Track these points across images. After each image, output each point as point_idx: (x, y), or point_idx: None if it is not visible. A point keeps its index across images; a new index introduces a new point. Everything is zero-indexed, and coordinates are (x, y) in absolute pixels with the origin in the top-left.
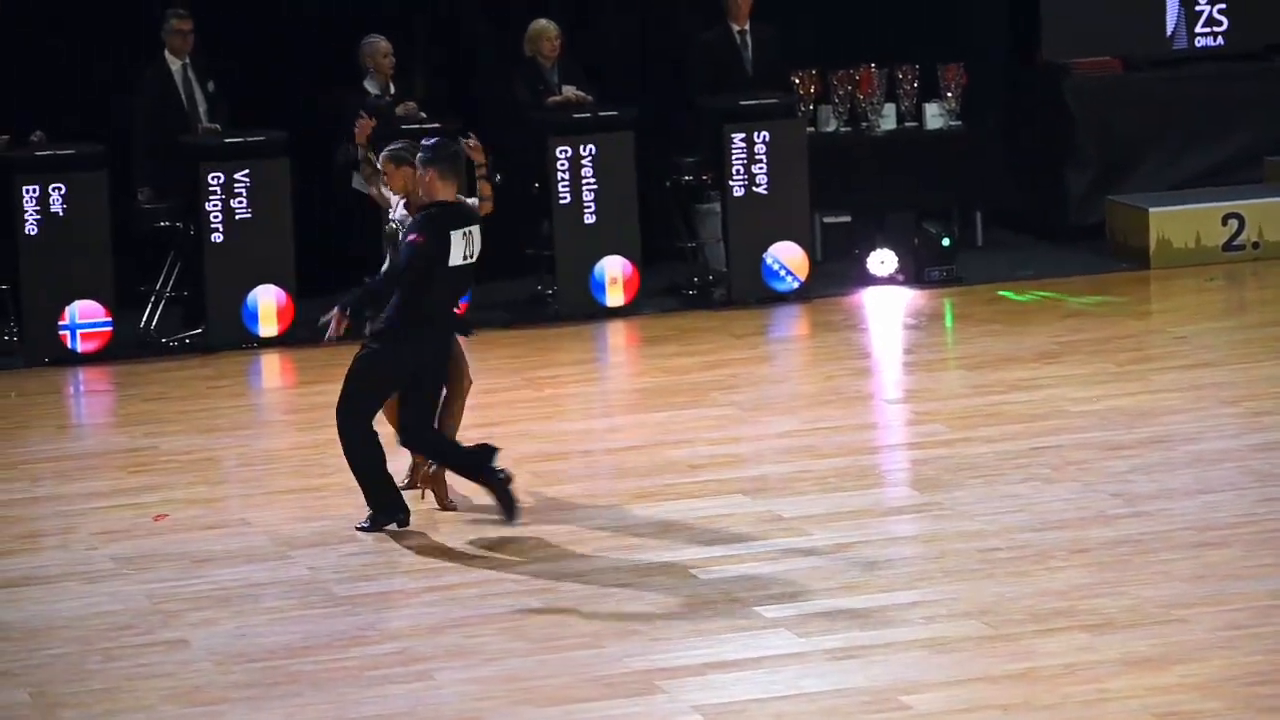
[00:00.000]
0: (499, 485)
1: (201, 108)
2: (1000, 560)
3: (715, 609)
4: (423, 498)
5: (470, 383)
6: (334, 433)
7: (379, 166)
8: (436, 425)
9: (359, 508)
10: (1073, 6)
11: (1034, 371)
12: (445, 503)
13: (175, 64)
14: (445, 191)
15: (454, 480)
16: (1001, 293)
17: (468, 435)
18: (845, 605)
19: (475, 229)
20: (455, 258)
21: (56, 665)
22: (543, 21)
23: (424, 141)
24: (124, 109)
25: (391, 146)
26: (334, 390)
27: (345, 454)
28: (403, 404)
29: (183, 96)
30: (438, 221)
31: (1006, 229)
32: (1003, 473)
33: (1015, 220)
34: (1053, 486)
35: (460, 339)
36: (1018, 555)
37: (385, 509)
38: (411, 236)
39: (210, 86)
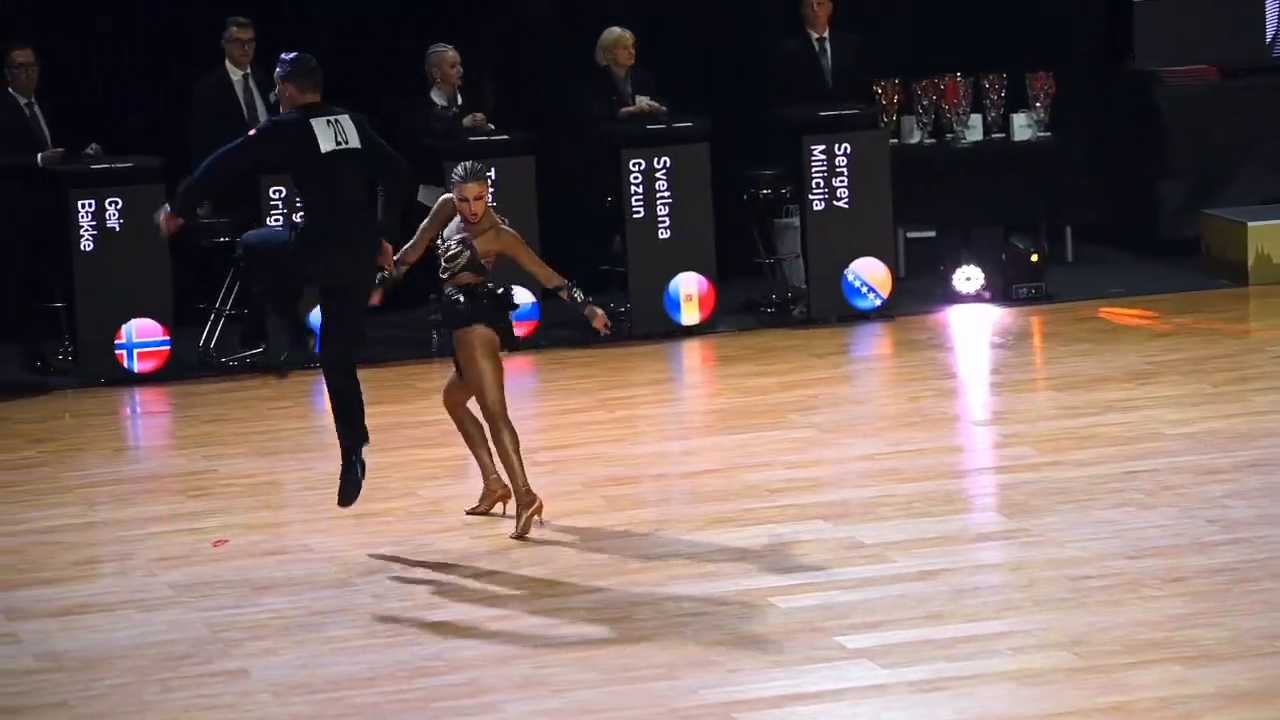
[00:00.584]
0: (350, 466)
1: (263, 119)
2: (1092, 589)
3: (795, 639)
4: (502, 510)
5: (489, 401)
6: (399, 457)
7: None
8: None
9: (423, 532)
10: (1166, 12)
11: (1127, 392)
12: (520, 530)
13: (236, 74)
14: (306, 100)
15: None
16: (1102, 311)
17: (535, 457)
18: (930, 635)
19: (344, 117)
20: (325, 144)
21: (113, 696)
22: (617, 29)
23: (281, 56)
24: (183, 121)
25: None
26: (400, 411)
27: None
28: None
29: (243, 107)
30: (282, 119)
31: (1097, 244)
32: (1095, 497)
33: (1106, 235)
34: (1147, 512)
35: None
36: (1110, 584)
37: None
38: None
39: (273, 97)
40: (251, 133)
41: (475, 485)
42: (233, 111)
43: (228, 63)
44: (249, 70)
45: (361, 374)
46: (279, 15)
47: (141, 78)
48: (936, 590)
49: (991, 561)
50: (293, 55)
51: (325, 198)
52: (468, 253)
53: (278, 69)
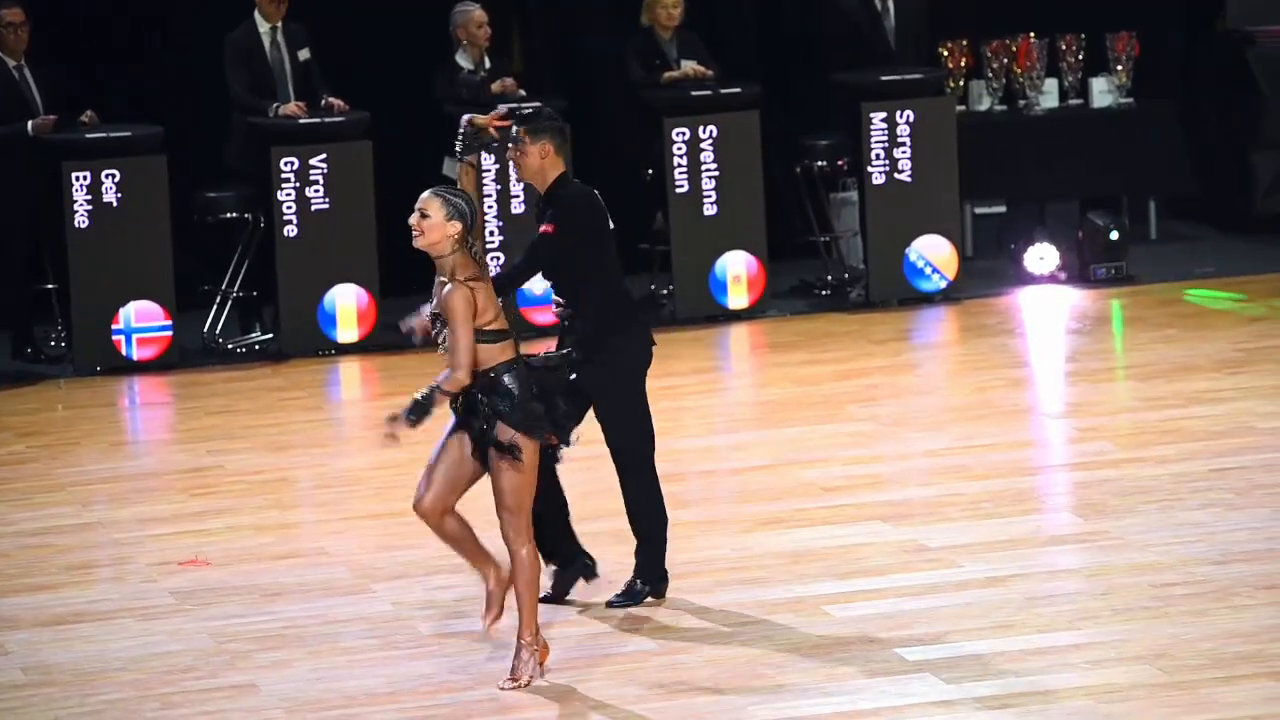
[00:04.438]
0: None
1: (290, 79)
2: (1176, 597)
3: (851, 651)
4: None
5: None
6: (423, 454)
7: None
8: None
9: None
10: None
11: (1215, 383)
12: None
13: (264, 27)
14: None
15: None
16: (1188, 294)
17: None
18: (999, 647)
19: None
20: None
21: (110, 713)
22: None
23: (515, 109)
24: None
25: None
26: None
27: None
28: None
29: (270, 64)
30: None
31: (1184, 220)
32: (1179, 497)
33: (1193, 210)
34: (1237, 513)
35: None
36: (1196, 592)
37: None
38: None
39: (302, 56)
40: (549, 228)
41: None
42: (261, 68)
43: (257, 15)
44: (279, 25)
45: (381, 362)
46: None
47: (144, 39)
48: (1006, 598)
49: (1066, 567)
50: (535, 107)
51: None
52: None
53: (523, 124)
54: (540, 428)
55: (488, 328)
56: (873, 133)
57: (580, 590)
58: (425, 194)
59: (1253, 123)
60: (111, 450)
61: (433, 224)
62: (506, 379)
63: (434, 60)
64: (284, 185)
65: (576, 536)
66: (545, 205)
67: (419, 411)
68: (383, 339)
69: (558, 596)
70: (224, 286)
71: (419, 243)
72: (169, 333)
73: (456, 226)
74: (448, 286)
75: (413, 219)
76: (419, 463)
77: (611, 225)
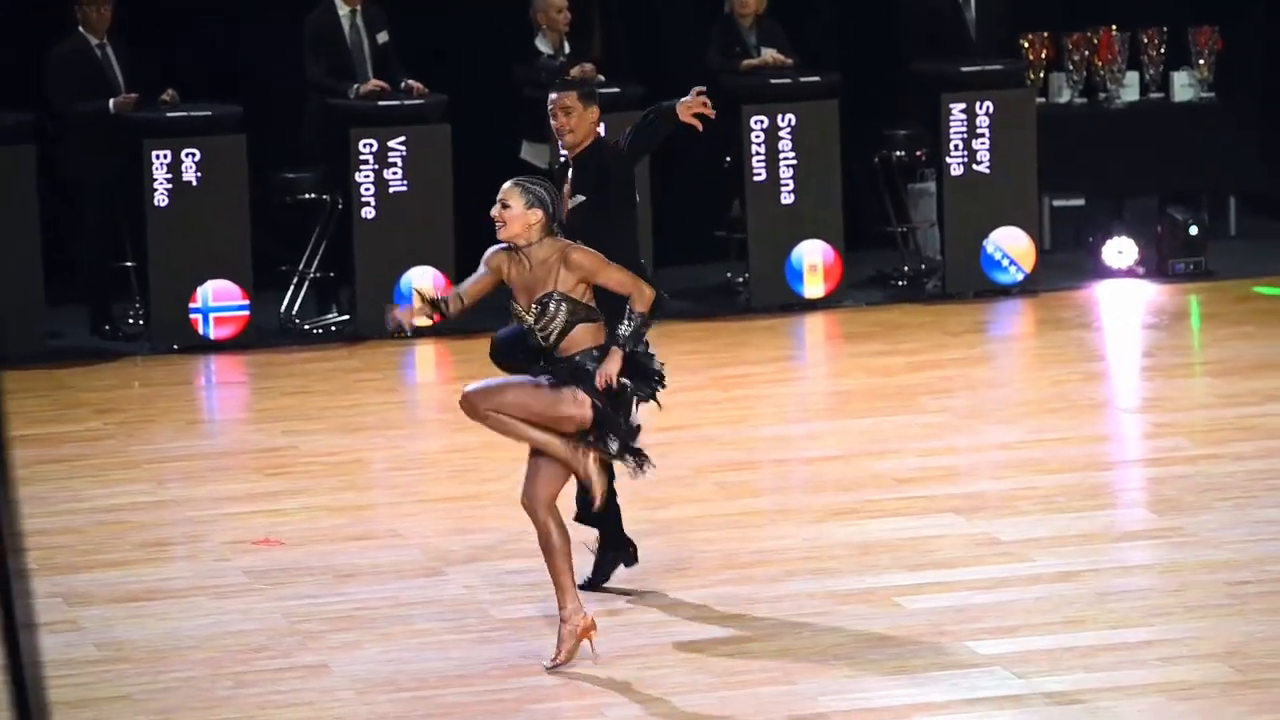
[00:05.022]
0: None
1: (369, 62)
2: (1250, 595)
3: (922, 643)
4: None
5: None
6: (493, 435)
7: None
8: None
9: (520, 519)
10: None
11: None
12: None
13: (344, 9)
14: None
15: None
16: (1257, 289)
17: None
18: (1070, 643)
19: None
20: None
21: (182, 690)
22: None
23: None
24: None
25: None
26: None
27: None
28: None
29: (349, 46)
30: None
31: (1264, 216)
32: (1254, 495)
33: (1274, 206)
34: None
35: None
36: (1271, 589)
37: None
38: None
39: (381, 38)
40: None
41: None
42: (340, 50)
43: None
44: (358, 7)
45: (456, 345)
46: None
47: (225, 20)
48: (1078, 593)
49: (1139, 563)
50: (578, 78)
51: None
52: (563, 307)
53: (577, 89)
54: (605, 432)
55: (586, 299)
56: (952, 123)
57: (630, 578)
58: (505, 185)
59: None
60: (187, 429)
61: (514, 214)
62: (591, 367)
63: (513, 44)
64: (362, 167)
65: (622, 522)
66: (576, 173)
67: (635, 339)
68: (458, 322)
69: (596, 582)
70: (301, 267)
71: (503, 234)
72: (246, 312)
73: (538, 214)
74: (557, 257)
75: (494, 210)
76: (492, 447)
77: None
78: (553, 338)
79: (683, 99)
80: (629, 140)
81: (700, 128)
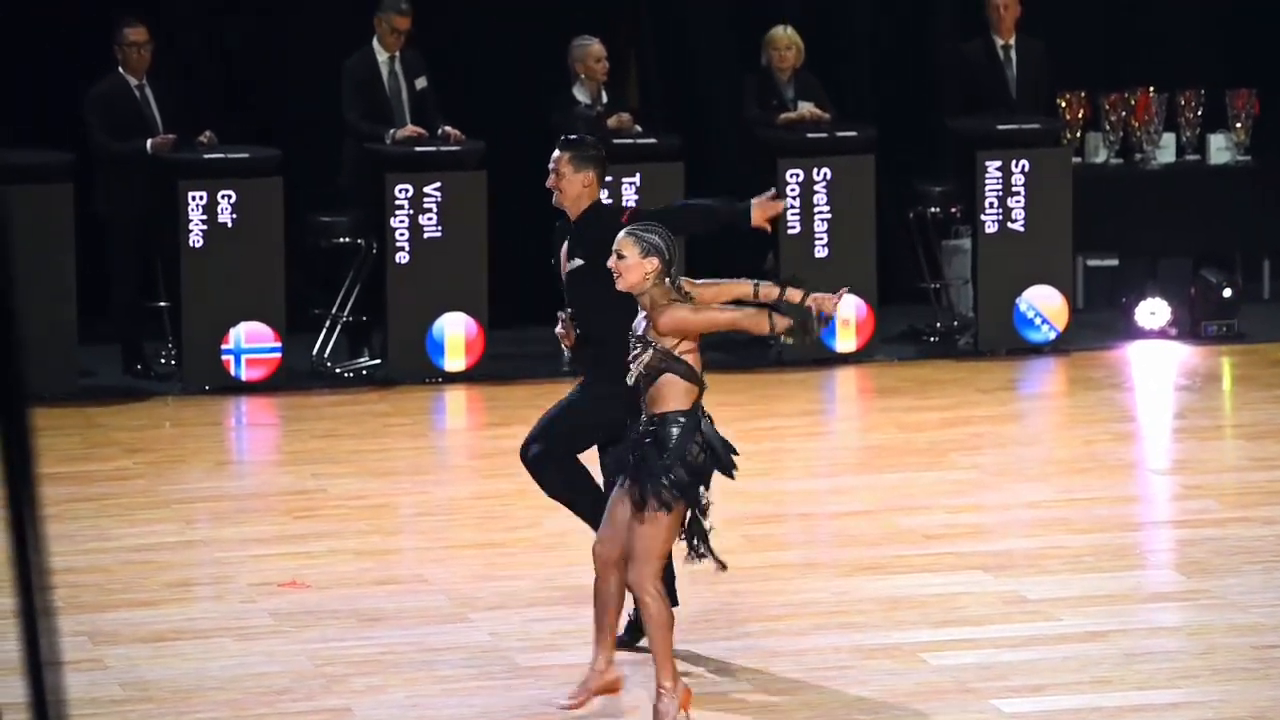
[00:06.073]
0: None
1: (406, 107)
2: (1278, 659)
3: (946, 700)
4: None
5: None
6: (526, 484)
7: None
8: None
9: (548, 566)
10: None
11: None
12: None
13: (383, 55)
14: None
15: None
16: None
17: None
18: (1096, 703)
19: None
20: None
21: None
22: (781, 28)
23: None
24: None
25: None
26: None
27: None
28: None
29: (387, 92)
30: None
31: None
32: None
33: None
34: None
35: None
36: None
37: None
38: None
39: (419, 84)
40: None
41: None
42: (378, 96)
43: (375, 42)
44: (397, 54)
45: (488, 392)
46: (416, 4)
47: (265, 62)
48: (1105, 653)
49: (1167, 624)
50: (579, 136)
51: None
52: (650, 351)
53: (568, 151)
54: (675, 496)
55: (684, 355)
56: (987, 181)
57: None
58: (620, 235)
59: None
60: (216, 469)
61: (629, 264)
62: (674, 430)
63: (551, 92)
64: (398, 212)
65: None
66: (574, 237)
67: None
68: (490, 369)
69: (633, 640)
70: (334, 311)
71: (621, 285)
72: (278, 354)
73: (654, 263)
74: (662, 309)
75: (610, 262)
76: (521, 494)
77: None
78: (634, 378)
79: (757, 199)
80: (676, 211)
81: (770, 230)
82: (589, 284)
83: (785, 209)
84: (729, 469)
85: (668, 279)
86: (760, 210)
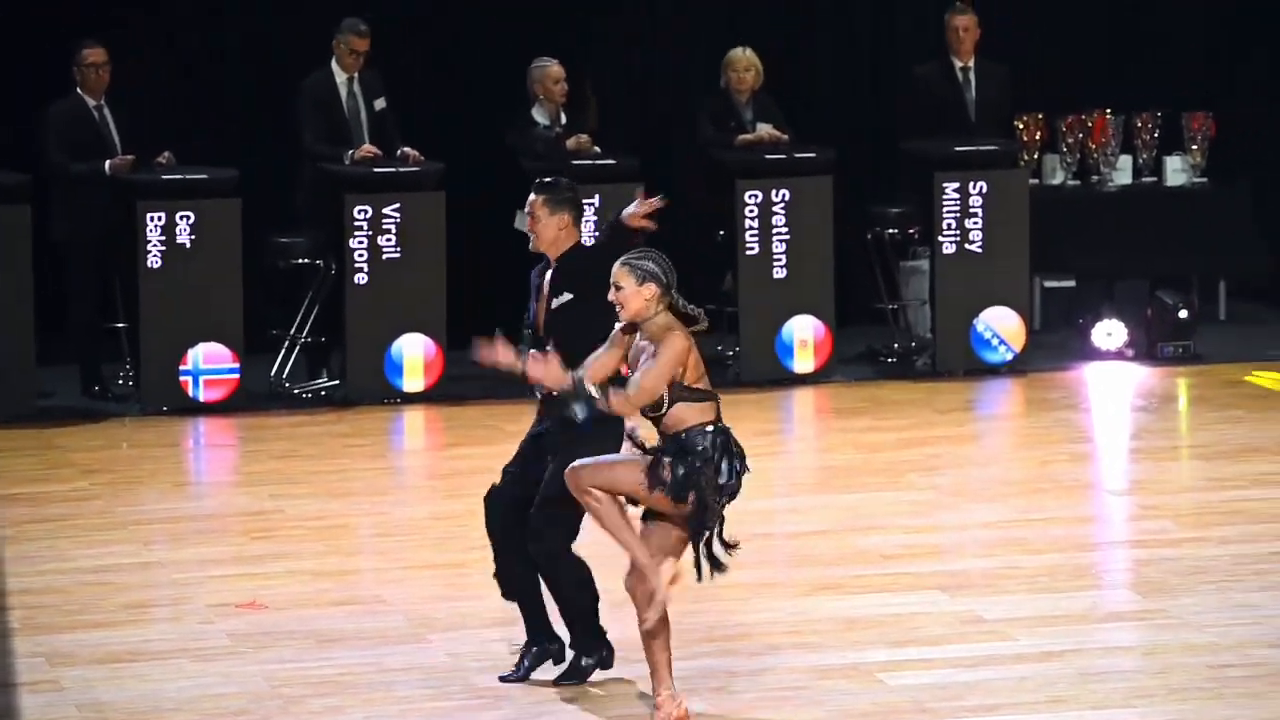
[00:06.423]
0: (579, 668)
1: (365, 128)
2: (1232, 679)
3: (903, 719)
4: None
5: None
6: (480, 504)
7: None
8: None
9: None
10: None
11: (1278, 465)
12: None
13: (341, 77)
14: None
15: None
16: (1253, 379)
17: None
18: None
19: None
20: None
21: None
22: (741, 49)
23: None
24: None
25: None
26: (482, 454)
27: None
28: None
29: (345, 113)
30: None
31: (1253, 302)
32: (1239, 579)
33: (1264, 292)
34: None
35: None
36: (1252, 674)
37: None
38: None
39: (378, 105)
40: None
41: None
42: (336, 117)
43: (334, 64)
44: (355, 75)
45: (446, 412)
46: (379, 22)
47: (226, 82)
48: (1061, 673)
49: (1123, 644)
50: (554, 178)
51: None
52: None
53: (542, 194)
54: (700, 501)
55: (694, 385)
56: (945, 202)
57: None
58: (615, 267)
59: None
60: (174, 490)
61: (628, 294)
62: (699, 439)
63: (510, 114)
64: (356, 233)
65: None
66: (559, 274)
67: (578, 399)
68: (448, 389)
69: (524, 675)
70: (292, 331)
71: (625, 315)
72: (236, 375)
73: (651, 289)
74: (673, 332)
75: (610, 295)
76: (479, 514)
77: None
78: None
79: (626, 209)
80: (603, 233)
81: (654, 228)
82: (575, 318)
83: (661, 205)
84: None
85: (676, 302)
86: (632, 219)
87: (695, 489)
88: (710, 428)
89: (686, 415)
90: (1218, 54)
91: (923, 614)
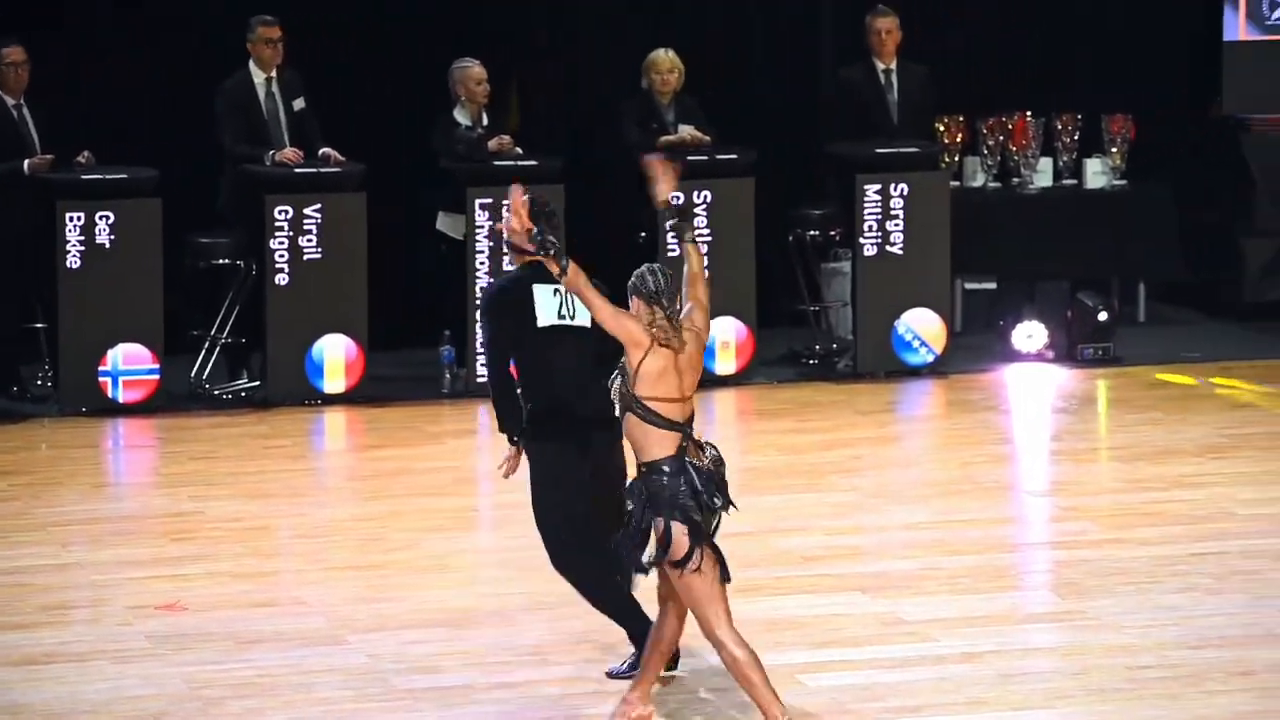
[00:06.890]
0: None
1: (284, 129)
2: (1150, 680)
3: None
4: None
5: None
6: (403, 505)
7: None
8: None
9: (425, 588)
10: (1260, 55)
11: (1197, 467)
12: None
13: (260, 77)
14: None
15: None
16: (1163, 376)
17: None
18: None
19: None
20: (546, 316)
21: None
22: (663, 51)
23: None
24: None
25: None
26: (406, 455)
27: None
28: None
29: (264, 114)
30: (501, 292)
31: (1172, 304)
32: (1158, 580)
33: (1183, 295)
34: (1214, 598)
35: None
36: (1171, 675)
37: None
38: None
39: (297, 105)
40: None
41: (486, 537)
42: (255, 118)
43: (252, 64)
44: (274, 74)
45: (367, 414)
46: (300, 23)
47: (146, 81)
48: (981, 674)
49: (1042, 645)
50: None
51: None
52: (617, 381)
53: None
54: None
55: (652, 403)
56: (866, 204)
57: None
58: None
59: (1244, 211)
60: (93, 492)
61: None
62: (661, 480)
63: (431, 114)
64: (277, 234)
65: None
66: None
67: (542, 241)
68: (369, 390)
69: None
70: (213, 332)
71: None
72: (156, 376)
73: (634, 302)
74: (654, 329)
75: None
76: (399, 515)
77: (546, 321)
78: (612, 410)
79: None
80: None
81: (672, 186)
82: (569, 338)
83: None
84: (715, 509)
85: (667, 313)
86: (657, 198)
87: (693, 539)
88: (667, 466)
89: (644, 440)
90: (1138, 56)
91: (844, 615)
